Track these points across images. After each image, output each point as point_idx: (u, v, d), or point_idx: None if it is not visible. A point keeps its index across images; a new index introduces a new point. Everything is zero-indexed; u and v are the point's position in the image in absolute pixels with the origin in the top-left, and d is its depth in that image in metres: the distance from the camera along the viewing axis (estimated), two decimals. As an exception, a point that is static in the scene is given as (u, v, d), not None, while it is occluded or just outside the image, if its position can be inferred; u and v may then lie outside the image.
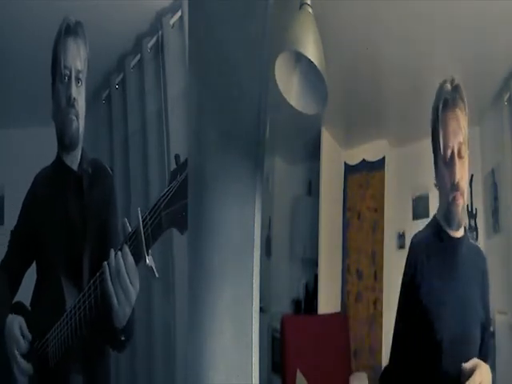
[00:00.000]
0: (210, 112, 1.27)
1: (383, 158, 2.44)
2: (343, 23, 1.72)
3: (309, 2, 1.40)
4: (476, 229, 2.09)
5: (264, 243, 2.51)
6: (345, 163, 2.67)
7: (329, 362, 2.32)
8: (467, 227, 1.33)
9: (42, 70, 1.32)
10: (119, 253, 1.05)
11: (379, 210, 2.46)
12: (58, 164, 1.32)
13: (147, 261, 1.01)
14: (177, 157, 1.01)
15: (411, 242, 1.34)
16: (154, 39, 1.80)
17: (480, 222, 2.09)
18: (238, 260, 1.23)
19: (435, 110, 1.29)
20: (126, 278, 1.04)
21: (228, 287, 1.23)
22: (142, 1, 1.72)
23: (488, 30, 1.63)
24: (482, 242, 2.07)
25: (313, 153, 2.62)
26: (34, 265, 1.37)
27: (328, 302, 2.56)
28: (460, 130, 1.26)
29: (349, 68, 1.92)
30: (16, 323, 1.24)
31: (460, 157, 1.26)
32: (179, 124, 1.71)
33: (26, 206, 1.39)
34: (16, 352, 1.23)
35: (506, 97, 1.88)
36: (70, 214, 1.28)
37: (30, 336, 1.24)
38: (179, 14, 1.73)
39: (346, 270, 2.64)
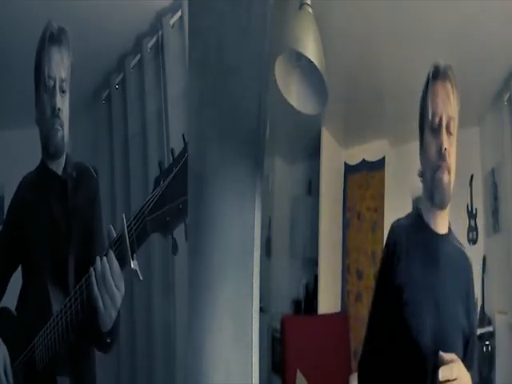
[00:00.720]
0: (209, 112, 1.27)
1: (383, 158, 2.43)
2: (343, 23, 1.72)
3: (309, 2, 1.40)
4: (476, 229, 2.09)
5: (264, 243, 2.51)
6: (345, 163, 2.67)
7: (329, 362, 2.32)
8: (451, 228, 1.25)
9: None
10: (104, 258, 1.07)
11: (379, 210, 2.46)
12: (43, 169, 1.34)
13: (132, 265, 1.03)
14: (160, 163, 1.05)
15: (391, 226, 1.28)
16: (154, 39, 1.80)
17: (480, 222, 2.09)
18: (238, 260, 1.23)
19: (426, 81, 1.26)
20: (111, 282, 1.07)
21: (228, 287, 1.22)
22: (141, 1, 1.72)
23: (488, 30, 1.63)
24: (481, 242, 2.08)
25: (313, 153, 2.61)
26: (19, 269, 1.37)
27: (328, 302, 2.56)
28: (449, 103, 1.21)
29: (349, 68, 1.92)
30: (1, 359, 1.24)
31: (448, 132, 1.20)
32: (179, 124, 1.71)
33: (11, 211, 1.39)
34: None
35: (506, 97, 1.87)
36: (55, 218, 1.29)
37: (11, 374, 1.23)
38: (179, 14, 1.73)
39: (345, 270, 2.64)
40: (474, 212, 2.11)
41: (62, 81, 1.29)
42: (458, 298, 1.19)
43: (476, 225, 2.10)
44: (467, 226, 2.10)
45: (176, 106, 1.72)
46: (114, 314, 1.13)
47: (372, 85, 2.02)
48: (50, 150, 1.30)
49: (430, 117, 1.21)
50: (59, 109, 1.27)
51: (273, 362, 2.52)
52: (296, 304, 2.79)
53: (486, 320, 1.99)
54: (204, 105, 1.28)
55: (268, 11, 1.24)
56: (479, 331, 1.98)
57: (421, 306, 1.15)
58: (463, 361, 1.06)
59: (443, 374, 0.99)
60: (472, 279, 1.25)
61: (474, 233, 2.09)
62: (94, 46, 1.73)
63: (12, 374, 1.24)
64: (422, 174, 1.26)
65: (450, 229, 1.25)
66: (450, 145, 1.19)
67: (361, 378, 1.28)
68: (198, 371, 1.21)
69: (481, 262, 2.05)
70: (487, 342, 1.94)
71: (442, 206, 1.20)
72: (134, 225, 1.02)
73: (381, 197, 2.44)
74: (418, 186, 2.27)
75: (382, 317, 1.21)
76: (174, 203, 0.97)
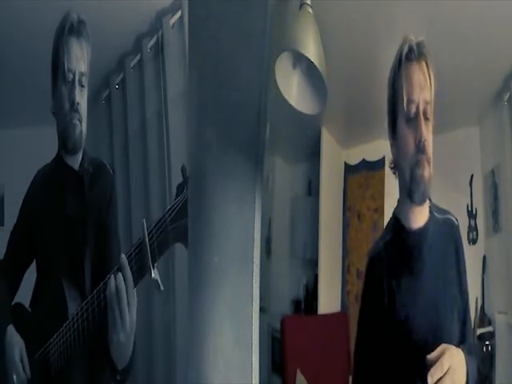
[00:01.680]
0: (209, 112, 1.27)
1: (383, 158, 2.43)
2: (343, 23, 1.72)
3: (309, 2, 1.40)
4: (476, 229, 2.09)
5: (264, 243, 2.51)
6: (345, 163, 2.67)
7: (329, 362, 2.32)
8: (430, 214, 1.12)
9: (43, 70, 1.31)
10: (120, 274, 1.03)
11: (379, 209, 2.46)
12: (59, 164, 1.30)
13: (153, 274, 1.00)
14: (183, 169, 1.00)
15: (367, 259, 1.18)
16: (154, 39, 1.80)
17: (480, 222, 2.10)
18: (238, 260, 1.23)
19: (396, 60, 1.10)
20: (124, 301, 1.03)
21: (228, 287, 1.22)
22: (141, 1, 1.72)
23: (488, 31, 1.63)
24: (482, 242, 2.08)
25: (313, 153, 2.62)
26: (33, 264, 1.36)
27: (328, 302, 2.56)
28: (426, 86, 1.07)
29: (349, 68, 1.92)
30: (17, 350, 1.20)
31: (425, 118, 1.07)
32: (179, 124, 1.71)
33: (26, 205, 1.37)
34: (14, 378, 1.20)
35: (506, 97, 1.88)
36: (71, 214, 1.26)
37: (28, 366, 1.21)
38: (179, 14, 1.73)
39: (345, 270, 2.64)
40: (474, 212, 2.11)
41: (81, 75, 1.25)
42: (449, 282, 1.11)
43: (476, 225, 2.10)
44: (467, 226, 2.10)
45: (176, 106, 1.72)
46: (129, 351, 1.11)
47: (372, 85, 2.02)
48: (68, 145, 1.26)
49: (404, 105, 1.07)
50: (78, 103, 1.24)
51: (273, 361, 2.52)
52: (296, 304, 2.80)
53: (486, 320, 1.99)
54: (204, 105, 1.28)
55: (268, 11, 1.24)
56: (479, 331, 1.98)
57: (412, 310, 1.07)
58: (461, 347, 1.00)
59: (432, 377, 0.91)
60: (461, 243, 1.16)
61: (474, 233, 2.09)
62: (93, 46, 1.73)
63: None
64: (394, 166, 1.14)
65: (430, 203, 1.13)
66: (428, 133, 1.07)
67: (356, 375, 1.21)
68: (198, 371, 1.21)
69: (481, 262, 2.05)
70: (487, 342, 1.94)
71: (422, 203, 1.09)
72: (156, 233, 0.97)
73: (381, 197, 2.45)
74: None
75: (372, 334, 1.14)
76: None
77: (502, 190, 1.97)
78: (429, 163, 1.06)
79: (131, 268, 1.03)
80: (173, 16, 1.74)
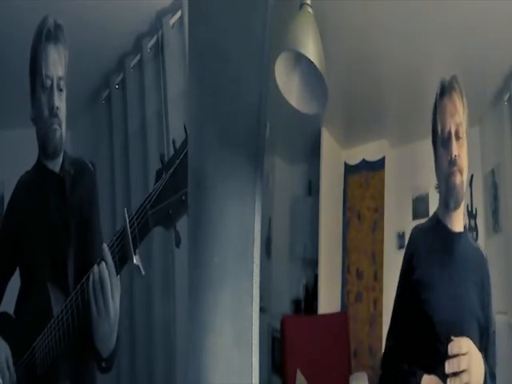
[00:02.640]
0: (209, 112, 1.27)
1: (383, 158, 2.44)
2: (343, 23, 1.72)
3: (309, 2, 1.39)
4: (476, 229, 2.09)
5: (264, 243, 2.51)
6: (345, 163, 2.67)
7: (329, 362, 2.33)
8: (467, 227, 1.33)
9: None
10: (103, 263, 1.04)
11: (379, 210, 2.47)
12: (40, 168, 1.31)
13: (134, 260, 1.02)
14: (162, 156, 1.02)
15: (411, 232, 1.36)
16: (154, 39, 1.80)
17: (480, 222, 2.10)
18: (238, 260, 1.23)
19: (435, 99, 1.30)
20: (108, 289, 1.04)
21: (228, 287, 1.22)
22: (142, 1, 1.72)
23: (488, 30, 1.63)
24: (482, 242, 2.08)
25: (313, 153, 2.62)
26: (16, 275, 1.35)
27: (328, 302, 2.56)
28: (456, 112, 1.27)
29: (349, 68, 1.92)
30: (3, 354, 1.21)
31: (457, 137, 1.26)
32: (179, 124, 1.70)
33: (9, 212, 1.37)
34: (0, 380, 1.20)
35: (506, 97, 1.88)
36: (53, 217, 1.27)
37: (13, 369, 1.21)
38: (179, 14, 1.73)
39: (345, 270, 2.64)
40: (474, 212, 2.11)
41: (59, 79, 1.26)
42: (473, 290, 1.26)
43: (476, 225, 2.10)
44: (467, 226, 2.10)
45: (176, 106, 1.72)
46: (113, 339, 1.12)
47: (372, 85, 2.02)
48: (48, 150, 1.27)
49: (439, 132, 1.26)
50: (57, 108, 1.25)
51: (273, 361, 2.52)
52: (296, 304, 2.80)
53: (485, 320, 1.99)
54: (204, 105, 1.28)
55: (268, 11, 1.24)
56: (479, 331, 1.98)
57: (438, 298, 1.21)
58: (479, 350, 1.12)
59: (453, 348, 1.03)
60: (488, 275, 1.33)
61: (474, 233, 2.09)
62: (94, 46, 1.73)
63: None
64: (438, 187, 1.31)
65: (465, 228, 1.31)
66: (460, 148, 1.25)
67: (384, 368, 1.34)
68: (199, 371, 1.21)
69: (481, 262, 2.05)
70: (487, 342, 1.94)
71: (456, 208, 1.26)
72: (137, 219, 1.00)
73: (381, 197, 2.45)
74: (417, 186, 2.28)
75: (404, 311, 1.28)
76: (176, 195, 0.95)
77: (502, 190, 1.97)
78: (461, 172, 1.24)
79: (114, 257, 1.05)
80: (173, 16, 1.74)
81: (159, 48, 1.78)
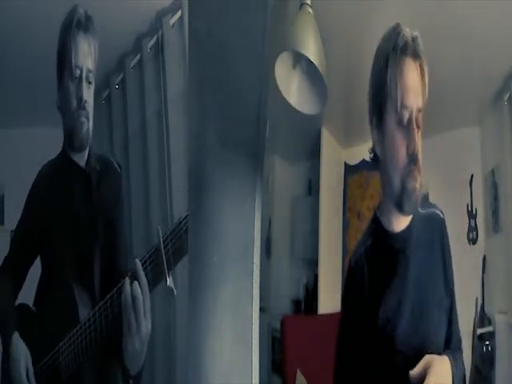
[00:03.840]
0: (209, 112, 1.27)
1: (383, 158, 2.43)
2: (343, 23, 1.72)
3: (309, 2, 1.40)
4: (476, 229, 2.09)
5: (264, 243, 2.51)
6: (345, 163, 2.67)
7: (329, 362, 2.32)
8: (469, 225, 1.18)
9: (43, 69, 1.31)
10: (135, 282, 1.01)
11: (379, 209, 2.46)
12: (65, 161, 1.27)
13: (168, 282, 1.01)
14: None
15: (347, 270, 1.15)
16: (154, 39, 1.80)
17: (480, 222, 2.09)
18: (238, 260, 1.23)
19: (385, 51, 1.02)
20: (140, 308, 1.02)
21: (228, 287, 1.22)
22: (142, 1, 1.72)
23: (488, 30, 1.63)
24: (482, 242, 2.08)
25: (313, 153, 2.62)
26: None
27: (328, 302, 2.56)
28: (420, 92, 1.00)
29: (349, 68, 1.92)
30: (23, 363, 1.16)
31: (417, 126, 1.00)
32: (179, 124, 1.70)
33: (31, 201, 1.33)
34: None
35: (506, 97, 1.88)
36: (78, 212, 1.23)
37: (33, 379, 1.17)
38: (179, 14, 1.73)
39: (345, 270, 2.64)
40: (474, 212, 2.11)
41: (88, 71, 1.23)
42: (435, 284, 1.06)
43: (476, 225, 2.10)
44: (467, 226, 2.10)
45: (176, 106, 1.72)
46: (142, 357, 1.09)
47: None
48: (74, 143, 1.23)
49: (398, 109, 0.99)
50: (85, 100, 1.22)
51: (273, 361, 2.52)
52: (296, 304, 2.79)
53: (485, 320, 1.99)
54: (204, 105, 1.28)
55: (268, 11, 1.24)
56: (479, 331, 1.98)
57: (397, 317, 1.02)
58: (447, 352, 0.98)
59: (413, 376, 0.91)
60: (446, 237, 1.10)
61: (474, 233, 2.09)
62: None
63: (34, 376, 1.18)
64: (374, 159, 1.08)
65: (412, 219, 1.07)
66: (419, 141, 1.01)
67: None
68: (198, 371, 1.21)
69: (481, 262, 2.05)
70: (487, 342, 1.94)
71: (411, 214, 1.05)
72: (171, 240, 0.97)
73: (381, 197, 2.44)
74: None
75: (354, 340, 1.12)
76: None
77: (502, 190, 1.97)
78: (419, 173, 1.00)
79: (146, 275, 1.02)
80: (173, 16, 1.74)
81: (159, 48, 1.78)
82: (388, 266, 1.04)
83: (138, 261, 1.02)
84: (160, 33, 1.77)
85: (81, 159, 1.27)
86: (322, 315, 2.51)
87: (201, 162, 1.24)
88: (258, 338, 1.22)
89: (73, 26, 1.22)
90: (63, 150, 1.29)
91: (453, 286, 1.08)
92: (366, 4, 1.62)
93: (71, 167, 1.27)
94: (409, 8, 1.61)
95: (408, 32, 1.02)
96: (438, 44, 1.74)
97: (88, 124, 1.23)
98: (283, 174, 2.83)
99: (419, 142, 1.01)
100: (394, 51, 1.01)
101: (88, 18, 1.25)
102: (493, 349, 1.93)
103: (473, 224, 2.10)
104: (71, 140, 1.24)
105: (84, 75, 1.22)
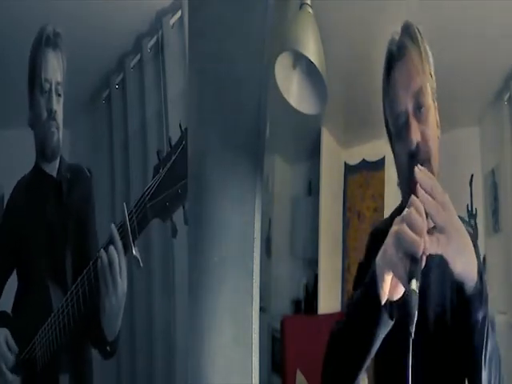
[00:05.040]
0: (209, 112, 1.27)
1: (383, 158, 2.43)
2: (343, 23, 1.72)
3: (309, 2, 1.40)
4: (476, 229, 2.09)
5: (264, 243, 2.51)
6: (345, 163, 2.67)
7: (329, 362, 2.32)
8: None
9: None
10: (111, 246, 1.06)
11: (379, 210, 2.46)
12: (38, 173, 1.34)
13: (133, 252, 1.04)
14: (159, 152, 1.08)
15: (369, 233, 1.10)
16: (154, 39, 1.80)
17: (480, 222, 2.09)
18: (237, 260, 1.23)
19: (384, 68, 1.01)
20: (117, 269, 1.06)
21: (228, 287, 1.22)
22: (142, 1, 1.72)
23: (488, 30, 1.63)
24: (482, 242, 2.08)
25: (313, 153, 2.62)
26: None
27: (328, 302, 2.56)
28: (412, 78, 0.93)
29: (349, 68, 1.92)
30: (2, 337, 1.23)
31: (419, 109, 0.92)
32: (179, 124, 1.70)
33: (6, 214, 1.39)
34: (3, 367, 1.22)
35: (506, 97, 1.88)
36: (50, 218, 1.30)
37: (16, 348, 1.23)
38: (179, 14, 1.73)
39: (345, 270, 2.64)
40: (474, 212, 2.11)
41: (57, 84, 1.29)
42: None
43: (476, 225, 2.10)
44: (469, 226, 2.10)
45: (176, 106, 1.72)
46: (119, 320, 1.14)
47: (372, 85, 2.02)
48: (46, 152, 1.31)
49: (391, 120, 0.97)
50: (55, 111, 1.28)
51: (273, 361, 2.52)
52: (296, 304, 2.80)
53: (486, 320, 1.99)
54: (204, 105, 1.28)
55: (268, 11, 1.24)
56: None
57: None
58: None
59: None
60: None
61: (474, 233, 2.09)
62: (93, 46, 1.73)
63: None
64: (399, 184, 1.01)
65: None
66: (425, 123, 0.93)
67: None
68: (198, 371, 1.21)
69: (481, 262, 2.05)
70: (487, 342, 1.94)
71: None
72: (135, 212, 1.04)
73: (381, 197, 2.45)
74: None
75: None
76: (172, 189, 0.99)
77: (502, 190, 1.97)
78: (432, 172, 0.89)
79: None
80: (173, 16, 1.74)
81: (159, 48, 1.78)
82: None
83: (113, 225, 1.07)
84: (160, 33, 1.77)
85: (52, 170, 1.34)
86: (322, 315, 2.52)
87: (201, 163, 1.24)
88: (258, 337, 1.22)
89: (42, 43, 1.29)
90: (36, 163, 1.35)
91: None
92: (366, 4, 1.62)
93: (43, 177, 1.34)
94: (409, 8, 1.61)
95: (397, 34, 1.01)
96: (437, 44, 1.75)
97: (58, 134, 1.30)
98: (283, 174, 2.83)
99: (427, 125, 0.93)
100: (388, 62, 1.00)
101: (56, 34, 1.31)
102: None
103: (473, 224, 2.10)
104: (43, 150, 1.31)
105: (53, 88, 1.29)
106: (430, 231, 0.74)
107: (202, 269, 1.23)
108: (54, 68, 1.30)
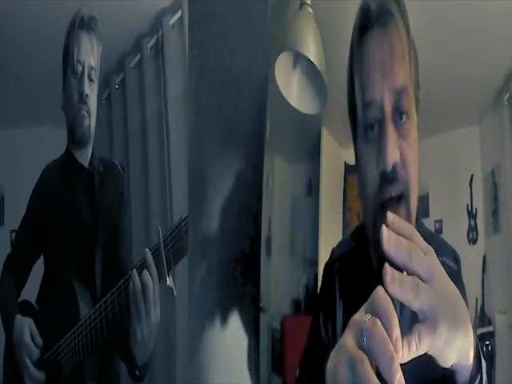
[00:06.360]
0: (209, 112, 1.27)
1: (383, 158, 2.43)
2: (343, 23, 1.72)
3: (309, 2, 1.40)
4: (476, 229, 2.09)
5: (264, 243, 2.50)
6: (345, 163, 2.66)
7: (329, 362, 2.32)
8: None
9: (44, 69, 1.31)
10: (145, 271, 1.02)
11: (379, 210, 2.46)
12: (69, 159, 1.30)
13: (168, 282, 1.02)
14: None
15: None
16: (154, 39, 1.80)
17: (480, 222, 2.09)
18: (237, 260, 1.23)
19: (354, 28, 0.66)
20: (151, 298, 1.03)
21: (228, 287, 1.22)
22: (142, 1, 1.72)
23: (488, 30, 1.63)
24: (482, 242, 2.07)
25: (313, 153, 2.61)
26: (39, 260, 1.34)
27: (328, 301, 2.55)
28: (398, 58, 0.64)
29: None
30: (26, 329, 1.20)
31: (400, 116, 0.64)
32: (179, 124, 1.70)
33: (34, 199, 1.35)
34: (27, 360, 1.19)
35: (506, 97, 1.87)
36: (81, 212, 1.26)
37: (41, 342, 1.20)
38: (179, 14, 1.73)
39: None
40: (474, 212, 2.11)
41: (90, 68, 1.28)
42: None
43: (476, 225, 2.10)
44: (467, 225, 2.10)
45: (176, 106, 1.72)
46: (150, 348, 1.13)
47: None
48: (76, 135, 1.27)
49: (360, 116, 0.67)
50: (87, 95, 1.26)
51: (273, 361, 2.52)
52: (296, 304, 2.79)
53: (485, 320, 1.99)
54: (204, 105, 1.28)
55: (268, 11, 1.24)
56: (479, 331, 1.98)
57: None
58: None
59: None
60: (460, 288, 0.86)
61: (474, 233, 2.09)
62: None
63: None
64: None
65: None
66: (406, 137, 0.65)
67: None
68: (198, 371, 1.21)
69: (481, 262, 2.05)
70: (487, 342, 1.94)
71: None
72: (171, 241, 0.99)
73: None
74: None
75: None
76: None
77: (502, 190, 1.97)
78: (408, 207, 0.65)
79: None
80: (173, 16, 1.74)
81: (159, 48, 1.78)
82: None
83: (147, 250, 1.03)
84: (160, 33, 1.77)
85: (84, 158, 1.30)
86: (322, 315, 2.51)
87: (201, 163, 1.24)
88: (258, 338, 1.22)
89: (75, 25, 1.28)
90: (67, 149, 1.32)
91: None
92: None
93: (74, 166, 1.29)
94: (408, 8, 1.61)
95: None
96: (437, 44, 1.75)
97: (89, 119, 1.29)
98: (283, 173, 2.82)
99: (407, 144, 0.67)
100: (359, 30, 0.67)
101: (91, 18, 1.31)
102: (493, 349, 1.93)
103: (473, 224, 2.10)
104: (73, 134, 1.28)
105: (86, 71, 1.26)
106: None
107: (202, 269, 1.23)
108: (87, 51, 1.29)
